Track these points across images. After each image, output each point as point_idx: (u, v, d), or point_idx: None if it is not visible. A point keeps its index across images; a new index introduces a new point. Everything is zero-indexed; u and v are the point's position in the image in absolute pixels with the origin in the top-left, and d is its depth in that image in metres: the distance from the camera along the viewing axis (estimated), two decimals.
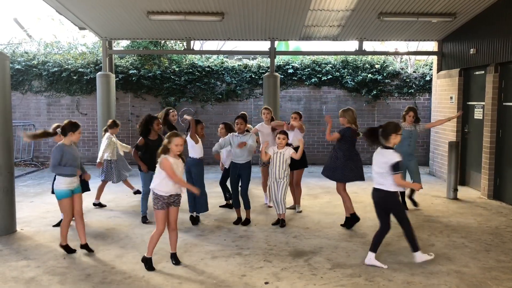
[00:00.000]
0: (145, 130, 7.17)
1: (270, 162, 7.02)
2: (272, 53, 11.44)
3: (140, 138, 7.19)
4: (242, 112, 8.07)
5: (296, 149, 7.12)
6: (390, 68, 13.13)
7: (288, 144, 7.08)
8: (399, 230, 6.81)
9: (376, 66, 13.06)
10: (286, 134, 6.99)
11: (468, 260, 5.64)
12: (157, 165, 5.25)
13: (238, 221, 7.13)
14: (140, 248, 6.02)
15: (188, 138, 6.95)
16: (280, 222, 7.02)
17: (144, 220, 7.22)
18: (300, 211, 7.88)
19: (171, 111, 8.28)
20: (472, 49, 9.71)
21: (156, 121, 7.22)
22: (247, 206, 7.15)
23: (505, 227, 7.08)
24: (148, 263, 5.33)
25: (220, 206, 8.18)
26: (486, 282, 4.99)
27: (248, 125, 8.36)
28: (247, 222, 7.13)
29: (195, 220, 7.18)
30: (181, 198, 5.42)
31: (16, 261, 5.57)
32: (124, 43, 13.70)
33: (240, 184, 7.17)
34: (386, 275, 5.13)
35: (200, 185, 6.92)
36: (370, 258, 5.41)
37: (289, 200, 7.73)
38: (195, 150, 7.07)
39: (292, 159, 6.99)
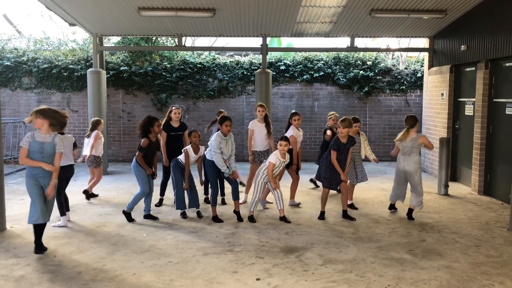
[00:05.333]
0: (145, 132, 7.00)
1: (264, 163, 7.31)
2: (264, 49, 11.41)
3: (143, 139, 6.97)
4: (224, 114, 8.31)
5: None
6: (381, 64, 13.16)
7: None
8: (390, 226, 6.88)
9: (368, 62, 13.08)
10: (288, 141, 7.04)
11: (459, 255, 5.67)
12: None
13: (216, 219, 7.10)
14: (131, 245, 6.00)
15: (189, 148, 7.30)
16: (284, 219, 7.10)
17: (149, 216, 7.22)
18: (298, 204, 8.09)
19: (174, 108, 8.18)
20: (463, 46, 9.75)
21: (157, 122, 7.05)
22: (237, 197, 7.20)
23: (495, 222, 7.14)
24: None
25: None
26: (476, 277, 5.02)
27: None
28: (237, 214, 7.20)
29: (184, 215, 7.32)
30: None
31: (6, 259, 5.52)
32: (114, 39, 13.60)
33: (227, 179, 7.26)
34: (377, 271, 5.15)
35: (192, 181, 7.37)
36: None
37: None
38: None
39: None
